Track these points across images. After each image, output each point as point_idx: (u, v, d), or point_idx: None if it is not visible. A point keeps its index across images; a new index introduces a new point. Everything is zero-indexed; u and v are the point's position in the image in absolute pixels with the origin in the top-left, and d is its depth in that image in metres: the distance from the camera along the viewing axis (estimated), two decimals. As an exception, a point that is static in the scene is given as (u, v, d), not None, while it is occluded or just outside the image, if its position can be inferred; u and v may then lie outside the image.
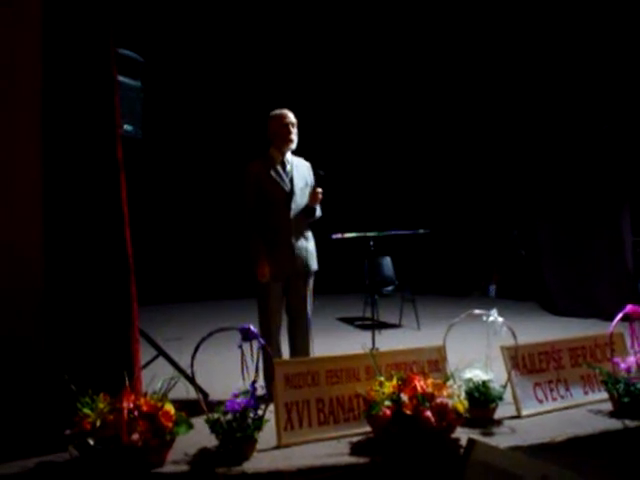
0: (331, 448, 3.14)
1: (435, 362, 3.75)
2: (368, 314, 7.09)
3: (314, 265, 4.25)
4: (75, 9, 3.27)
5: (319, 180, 4.24)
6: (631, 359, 3.72)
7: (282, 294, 4.16)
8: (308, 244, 4.23)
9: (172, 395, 3.03)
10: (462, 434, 3.18)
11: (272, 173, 4.13)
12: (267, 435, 3.10)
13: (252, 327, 3.10)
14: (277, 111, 4.20)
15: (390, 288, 7.78)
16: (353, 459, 2.99)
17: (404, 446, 3.01)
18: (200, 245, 9.88)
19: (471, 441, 2.86)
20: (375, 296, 6.53)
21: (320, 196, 4.17)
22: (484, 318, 3.72)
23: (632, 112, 7.22)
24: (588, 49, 7.37)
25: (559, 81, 7.89)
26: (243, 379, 3.03)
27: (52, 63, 3.20)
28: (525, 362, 3.82)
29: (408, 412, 3.02)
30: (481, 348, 3.69)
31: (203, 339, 3.07)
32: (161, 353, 4.14)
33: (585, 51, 7.41)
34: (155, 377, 3.21)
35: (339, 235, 5.64)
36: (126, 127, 3.80)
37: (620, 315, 3.79)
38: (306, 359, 3.46)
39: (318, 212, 4.27)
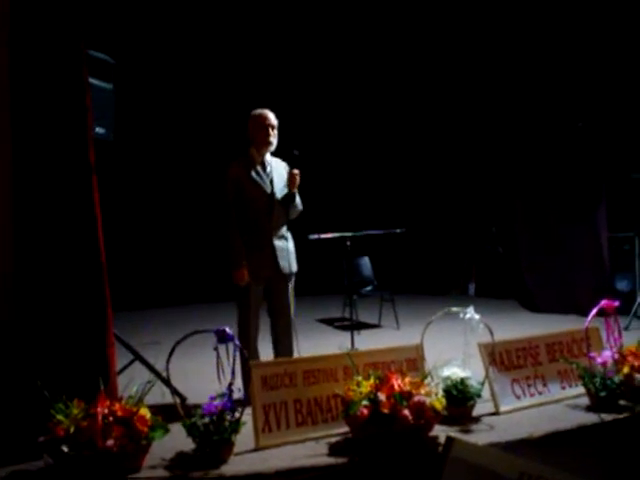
0: (309, 449, 3.13)
1: (413, 361, 3.76)
2: (348, 315, 7.08)
3: (294, 266, 4.21)
4: (45, 10, 3.23)
5: (294, 160, 4.18)
6: (607, 353, 3.75)
7: (262, 297, 4.13)
8: (288, 245, 4.20)
9: (148, 400, 3.00)
10: (440, 432, 3.19)
11: (252, 174, 4.09)
12: (245, 438, 3.07)
13: (227, 329, 3.07)
14: (257, 111, 4.16)
15: (369, 288, 7.77)
16: (332, 460, 2.98)
17: (382, 445, 3.00)
18: (175, 249, 9.81)
19: (449, 439, 2.84)
20: (354, 296, 6.52)
21: (298, 178, 4.12)
22: (461, 316, 3.73)
23: (606, 110, 7.31)
24: (566, 49, 7.45)
25: (534, 80, 7.96)
26: (219, 382, 3.01)
27: (21, 65, 3.16)
28: (503, 359, 3.83)
29: (385, 411, 3.02)
30: (459, 346, 3.71)
31: (178, 342, 3.04)
32: (137, 357, 4.10)
33: (563, 51, 7.48)
34: (131, 382, 3.17)
35: (316, 236, 5.62)
36: (98, 130, 3.75)
37: (595, 310, 3.82)
38: (283, 360, 3.44)
39: (298, 202, 4.21)
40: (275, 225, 4.10)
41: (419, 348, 3.80)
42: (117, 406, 2.84)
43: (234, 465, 2.90)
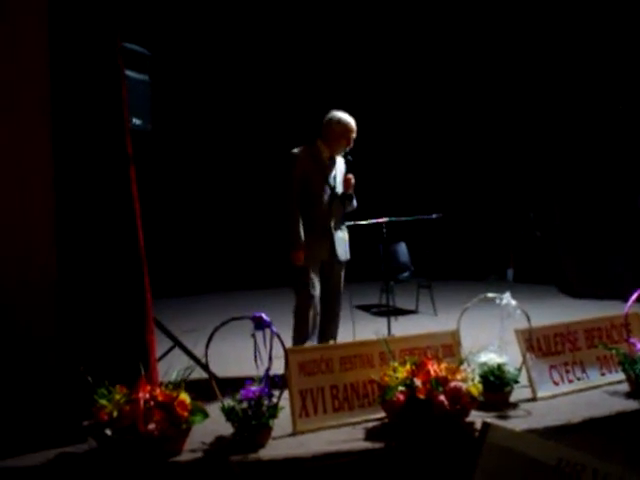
0: (346, 434, 3.15)
1: (449, 346, 3.75)
2: (385, 301, 7.08)
3: (348, 254, 4.48)
4: (81, 3, 3.29)
5: (349, 166, 4.43)
6: (647, 339, 3.70)
7: (319, 277, 4.34)
8: (344, 234, 4.47)
9: (188, 385, 3.06)
10: (477, 417, 3.18)
11: (319, 165, 4.33)
12: (282, 422, 3.12)
13: (264, 316, 3.11)
14: (346, 118, 4.34)
15: (406, 274, 7.75)
16: (368, 444, 3.00)
17: (418, 431, 3.02)
18: (213, 237, 9.93)
19: (486, 424, 2.86)
20: (391, 283, 6.51)
21: (352, 182, 4.37)
22: (497, 301, 3.71)
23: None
24: (603, 29, 7.28)
25: (573, 62, 7.82)
26: (257, 367, 3.06)
27: (59, 58, 3.21)
28: (540, 344, 3.80)
29: (422, 397, 3.03)
30: (495, 332, 3.69)
31: (216, 329, 3.09)
32: (177, 344, 4.18)
33: (601, 33, 7.32)
34: (171, 368, 3.24)
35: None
36: (135, 121, 3.82)
37: (635, 295, 3.76)
38: (319, 346, 3.48)
39: (354, 201, 4.47)
40: (335, 217, 4.35)
41: (455, 334, 3.80)
42: (158, 391, 2.90)
43: (272, 449, 2.95)
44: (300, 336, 4.20)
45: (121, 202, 3.36)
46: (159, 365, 3.55)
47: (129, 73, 3.74)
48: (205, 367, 3.24)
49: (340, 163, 4.48)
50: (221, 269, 9.85)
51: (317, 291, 4.29)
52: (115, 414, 2.79)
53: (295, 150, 4.34)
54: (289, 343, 3.33)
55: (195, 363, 3.82)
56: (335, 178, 4.39)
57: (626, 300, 3.82)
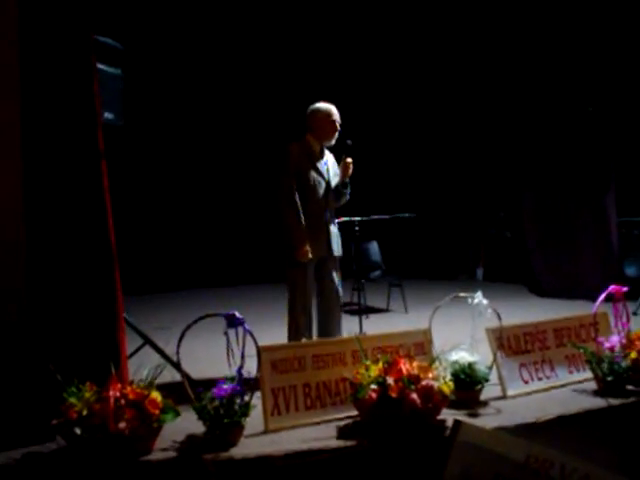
0: (318, 432, 3.16)
1: (421, 345, 3.77)
2: (356, 299, 7.10)
3: (341, 250, 4.49)
4: (52, -4, 3.24)
5: (347, 150, 4.43)
6: (615, 338, 3.76)
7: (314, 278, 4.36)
8: (336, 229, 4.49)
9: (159, 383, 3.03)
10: (448, 415, 3.20)
11: (311, 160, 4.34)
12: (254, 421, 3.11)
13: (237, 314, 3.09)
14: (325, 106, 4.38)
15: (377, 273, 7.78)
16: (340, 442, 3.01)
17: (390, 428, 3.03)
18: (185, 233, 9.86)
19: (457, 422, 2.88)
20: (362, 281, 6.54)
21: (351, 166, 4.38)
22: (469, 300, 3.75)
23: (615, 94, 7.26)
24: (575, 33, 7.39)
25: (545, 64, 7.92)
26: (229, 365, 3.04)
27: (29, 51, 3.16)
28: (510, 343, 3.85)
29: (394, 395, 3.04)
30: (467, 330, 3.72)
31: (188, 326, 3.07)
32: (147, 341, 4.13)
33: (572, 35, 7.43)
34: (142, 366, 3.20)
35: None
36: (107, 115, 3.76)
37: (603, 295, 3.83)
38: (292, 344, 3.47)
39: (348, 191, 4.46)
40: (329, 210, 4.37)
41: (427, 332, 3.82)
42: (129, 389, 2.87)
43: (244, 447, 2.93)
44: (297, 334, 4.22)
45: (92, 198, 3.30)
46: (129, 363, 3.51)
47: (101, 67, 3.68)
48: (176, 365, 3.21)
49: (331, 158, 4.50)
50: (192, 266, 9.78)
51: (312, 289, 4.32)
52: (85, 412, 2.75)
53: (289, 145, 4.37)
54: (263, 341, 3.31)
55: (166, 361, 3.78)
56: (328, 171, 4.39)
57: (594, 299, 3.89)
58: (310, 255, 4.17)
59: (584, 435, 3.26)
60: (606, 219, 7.23)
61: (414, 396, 3.04)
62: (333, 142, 4.41)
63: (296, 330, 4.23)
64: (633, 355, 3.67)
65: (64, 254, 3.21)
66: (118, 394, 2.83)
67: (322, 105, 4.38)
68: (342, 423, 3.29)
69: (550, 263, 8.05)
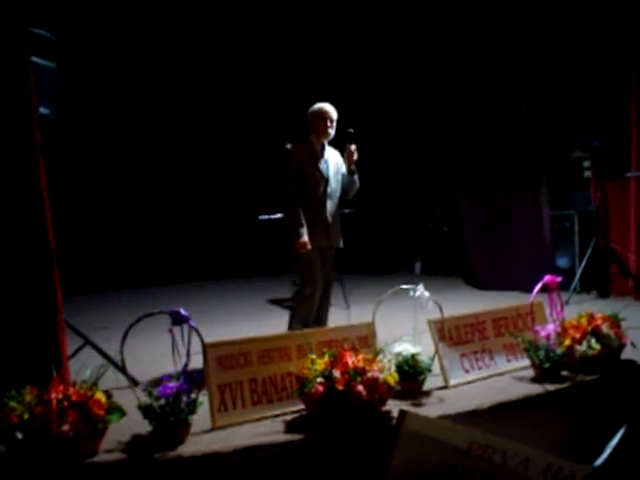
0: (266, 427, 3.16)
1: (365, 338, 3.82)
2: (298, 295, 7.12)
3: (342, 242, 4.82)
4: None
5: (350, 138, 4.66)
6: (550, 327, 3.89)
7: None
8: (338, 222, 4.79)
9: (103, 384, 2.97)
10: (393, 406, 3.26)
11: (312, 158, 4.61)
12: (201, 418, 3.09)
13: (182, 311, 3.07)
14: (318, 105, 4.63)
15: (318, 268, 7.81)
16: (288, 437, 3.02)
17: (338, 421, 3.06)
18: (125, 230, 9.68)
19: (402, 412, 2.94)
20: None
21: (355, 153, 4.65)
22: (411, 293, 3.81)
23: (547, 93, 7.50)
24: (510, 36, 7.61)
25: (479, 64, 8.11)
26: (175, 363, 3.01)
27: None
28: (451, 334, 3.94)
29: (340, 387, 3.07)
30: (409, 323, 3.79)
31: (132, 325, 3.02)
32: (88, 342, 4.05)
33: (507, 37, 7.64)
34: (84, 366, 3.14)
35: (266, 216, 5.64)
36: (42, 110, 3.65)
37: (539, 285, 3.96)
38: (238, 340, 3.44)
39: (357, 180, 4.76)
40: (329, 205, 4.64)
41: (371, 326, 3.87)
42: (72, 391, 2.80)
43: (191, 445, 2.91)
44: (300, 322, 4.48)
45: (29, 195, 3.21)
46: (70, 363, 3.43)
47: (36, 60, 3.58)
48: (117, 365, 3.16)
49: (334, 155, 4.75)
50: (128, 265, 9.61)
51: (320, 278, 4.58)
52: (26, 416, 2.66)
53: (288, 146, 4.60)
54: (207, 339, 3.29)
55: (107, 361, 3.72)
56: (329, 167, 4.65)
57: (528, 291, 4.02)
58: (309, 246, 4.46)
59: (523, 420, 3.38)
60: (539, 212, 7.47)
61: (360, 388, 3.08)
62: (330, 137, 4.65)
63: (299, 320, 4.51)
64: (567, 342, 3.82)
65: (0, 254, 3.11)
66: (61, 396, 2.76)
67: (316, 105, 4.64)
68: (289, 417, 3.30)
69: (486, 256, 8.27)
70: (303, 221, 4.50)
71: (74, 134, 8.33)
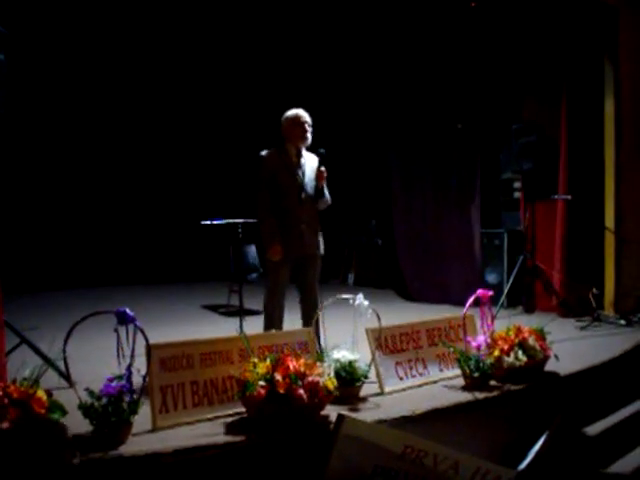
0: (206, 429, 3.20)
1: (305, 344, 3.91)
2: (232, 301, 7.17)
3: (321, 249, 4.84)
4: None
5: (322, 159, 4.71)
6: (481, 338, 4.09)
7: (289, 274, 4.70)
8: (316, 229, 4.80)
9: (44, 383, 2.94)
10: (332, 411, 3.33)
11: (287, 165, 4.62)
12: (143, 419, 3.10)
13: (128, 310, 3.08)
14: (293, 110, 4.67)
15: (254, 275, 7.88)
16: (228, 438, 3.07)
17: (278, 424, 3.13)
18: (67, 230, 9.46)
19: (340, 416, 3.04)
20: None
21: (325, 174, 4.65)
22: (351, 302, 3.93)
23: (481, 115, 7.81)
24: (451, 61, 7.85)
25: (416, 84, 8.34)
26: (119, 363, 3.01)
27: None
28: (388, 343, 4.08)
29: (281, 391, 3.14)
30: (348, 330, 3.90)
31: (76, 324, 3.01)
32: (24, 341, 3.98)
33: (449, 61, 7.88)
34: (23, 365, 3.09)
35: (208, 221, 5.67)
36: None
37: (472, 298, 4.15)
38: (181, 342, 3.47)
39: (327, 195, 4.75)
40: (304, 212, 4.63)
41: (310, 332, 3.97)
42: (12, 388, 2.77)
43: (132, 445, 2.92)
44: (271, 325, 4.60)
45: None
46: (9, 363, 3.37)
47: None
48: (54, 365, 3.12)
49: (312, 161, 4.75)
50: (70, 266, 9.42)
51: (284, 287, 4.70)
52: (-37, 414, 2.63)
53: (263, 153, 4.63)
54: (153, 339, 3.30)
55: (44, 361, 3.65)
56: (304, 174, 4.65)
57: (457, 304, 4.21)
58: (281, 255, 4.51)
59: (454, 426, 3.54)
60: (471, 229, 7.73)
61: (301, 391, 3.16)
62: (308, 143, 4.69)
63: (270, 322, 4.64)
64: (496, 353, 4.02)
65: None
66: (1, 393, 2.73)
67: (290, 112, 4.66)
68: (229, 420, 3.34)
69: (418, 269, 8.50)
70: (276, 229, 4.53)
71: (14, 130, 8.10)
